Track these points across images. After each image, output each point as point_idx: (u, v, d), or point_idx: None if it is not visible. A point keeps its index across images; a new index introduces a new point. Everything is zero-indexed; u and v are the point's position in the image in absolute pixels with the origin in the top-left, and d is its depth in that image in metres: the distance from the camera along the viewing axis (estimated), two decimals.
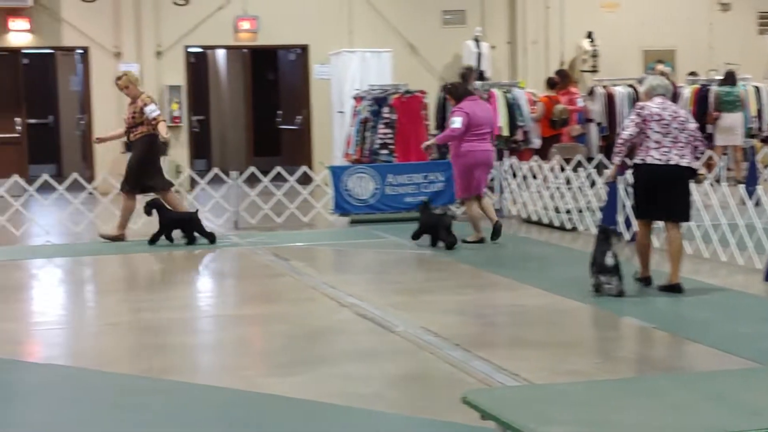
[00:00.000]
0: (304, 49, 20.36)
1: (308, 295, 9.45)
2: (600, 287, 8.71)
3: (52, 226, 13.55)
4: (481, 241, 11.88)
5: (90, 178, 16.84)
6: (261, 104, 22.07)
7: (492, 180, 14.68)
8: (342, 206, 14.11)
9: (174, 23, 19.55)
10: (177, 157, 19.38)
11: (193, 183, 16.11)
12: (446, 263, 11.02)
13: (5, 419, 5.98)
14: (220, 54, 23.22)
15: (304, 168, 15.13)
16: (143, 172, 12.34)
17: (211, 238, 12.18)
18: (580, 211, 13.01)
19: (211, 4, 19.73)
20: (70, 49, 20.15)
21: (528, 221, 14.00)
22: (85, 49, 19.43)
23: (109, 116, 19.35)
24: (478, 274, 10.35)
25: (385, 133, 15.50)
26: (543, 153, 15.48)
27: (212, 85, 23.58)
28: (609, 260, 8.61)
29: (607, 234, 8.78)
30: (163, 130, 12.24)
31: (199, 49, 21.42)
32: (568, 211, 13.19)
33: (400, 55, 19.83)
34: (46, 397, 6.37)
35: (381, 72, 18.18)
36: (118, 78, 12.61)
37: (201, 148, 22.01)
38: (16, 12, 18.57)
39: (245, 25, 19.91)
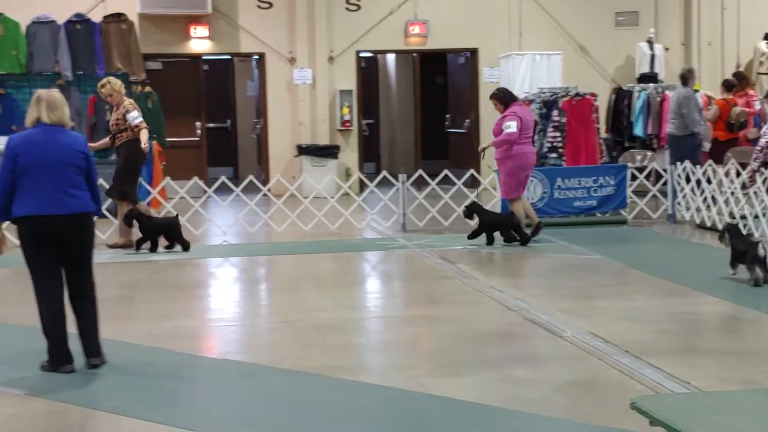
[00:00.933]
0: (473, 52, 20.41)
1: (475, 298, 9.49)
2: (759, 281, 9.17)
3: (228, 226, 14.02)
4: (523, 240, 12.36)
5: (265, 181, 17.35)
6: (429, 108, 22.22)
7: (664, 184, 14.38)
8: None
9: (346, 29, 19.93)
10: (347, 161, 19.74)
11: (362, 186, 16.39)
12: (617, 269, 10.86)
13: (186, 412, 6.25)
14: (390, 58, 23.52)
15: (471, 171, 15.17)
16: (125, 179, 12.50)
17: (186, 246, 12.34)
18: (756, 217, 12.59)
19: (382, 9, 20.02)
20: (247, 55, 20.80)
21: (701, 227, 13.64)
22: (261, 55, 20.02)
23: (284, 120, 19.92)
24: (650, 281, 10.16)
25: (554, 137, 15.39)
26: (718, 157, 15.06)
27: (382, 89, 23.91)
28: (761, 251, 9.16)
29: (737, 228, 9.53)
30: (144, 137, 12.34)
31: (370, 54, 21.76)
32: (743, 217, 12.78)
33: (571, 57, 19.65)
34: (222, 392, 6.62)
35: (551, 74, 18.05)
36: (102, 86, 12.52)
37: (370, 152, 22.35)
38: (196, 19, 19.30)
39: (415, 29, 20.11)
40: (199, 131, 20.16)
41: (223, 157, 22.42)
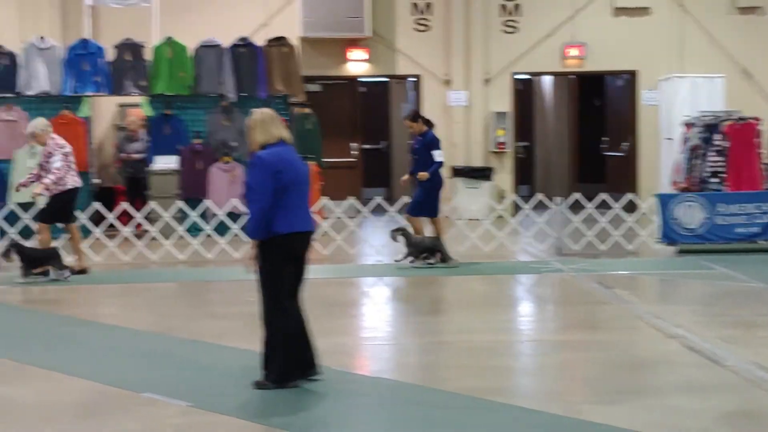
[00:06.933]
0: (632, 74, 20.08)
1: (632, 324, 9.30)
2: None
3: (382, 246, 14.15)
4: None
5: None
6: (586, 130, 21.95)
7: None
8: (669, 235, 13.78)
9: (502, 51, 19.90)
10: (501, 183, 19.67)
11: (516, 208, 16.30)
12: None
13: (342, 428, 6.33)
14: (547, 80, 23.35)
15: (629, 195, 14.91)
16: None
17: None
18: None
19: (539, 31, 19.91)
20: (403, 77, 21.01)
21: None
22: (417, 77, 20.19)
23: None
24: None
25: (715, 161, 14.95)
26: None
27: (537, 111, 23.75)
28: None
29: None
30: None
31: (526, 76, 21.65)
32: None
33: (734, 80, 19.10)
34: (374, 410, 6.68)
35: (712, 98, 17.60)
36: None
37: (525, 174, 22.20)
38: (355, 43, 19.63)
39: (573, 51, 19.92)
40: (354, 152, 20.42)
41: (377, 178, 22.66)
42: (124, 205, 14.62)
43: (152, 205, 14.86)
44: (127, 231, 14.16)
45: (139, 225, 14.85)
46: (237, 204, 15.00)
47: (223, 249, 13.89)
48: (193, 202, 15.12)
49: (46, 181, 11.98)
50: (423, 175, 13.01)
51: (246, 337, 8.55)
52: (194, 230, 14.72)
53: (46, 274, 12.03)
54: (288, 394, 6.89)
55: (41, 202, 12.78)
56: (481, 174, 19.18)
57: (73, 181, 12.28)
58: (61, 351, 8.41)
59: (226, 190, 16.21)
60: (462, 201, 16.20)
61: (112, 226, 14.44)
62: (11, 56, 16.46)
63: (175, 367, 7.76)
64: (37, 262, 11.96)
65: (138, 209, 14.79)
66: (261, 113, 7.13)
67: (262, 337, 7.02)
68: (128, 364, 7.92)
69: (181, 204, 14.93)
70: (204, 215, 14.84)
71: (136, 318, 10.01)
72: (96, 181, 17.30)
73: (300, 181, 7.00)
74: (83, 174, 16.51)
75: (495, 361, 7.98)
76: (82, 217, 13.97)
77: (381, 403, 6.81)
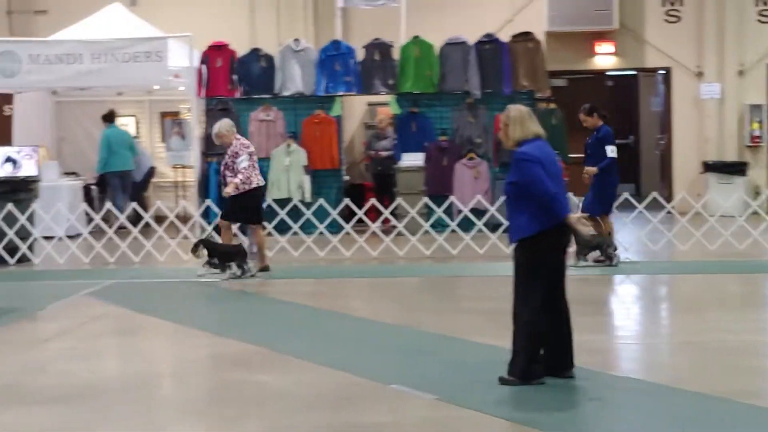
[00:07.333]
0: None
1: None
2: None
3: (630, 243, 13.87)
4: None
5: (668, 198, 16.98)
6: None
7: None
8: None
9: (757, 41, 19.04)
10: (756, 178, 18.83)
11: None
12: None
13: (586, 429, 6.28)
14: None
15: None
16: None
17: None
18: None
19: None
20: (652, 70, 20.47)
21: None
22: (667, 70, 19.63)
23: (689, 136, 19.43)
24: None
25: None
26: None
27: None
28: None
29: None
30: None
31: None
32: None
33: None
34: (624, 410, 6.57)
35: None
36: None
37: None
38: (602, 36, 19.31)
39: None
40: None
41: (625, 173, 22.15)
42: (373, 202, 15.02)
43: (399, 201, 15.19)
44: (375, 227, 14.54)
45: (386, 221, 15.23)
46: (481, 200, 15.12)
47: (467, 244, 14.02)
48: (438, 199, 15.34)
49: (235, 180, 12.31)
50: (591, 170, 12.63)
51: (492, 332, 8.62)
52: (439, 226, 14.94)
53: (230, 268, 12.33)
54: (535, 391, 6.90)
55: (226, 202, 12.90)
56: (735, 169, 18.45)
57: (258, 180, 12.62)
58: (315, 342, 8.75)
59: (471, 186, 16.36)
60: (714, 197, 15.64)
61: (360, 221, 14.87)
62: (268, 59, 17.25)
63: (422, 361, 7.92)
64: (226, 258, 12.34)
65: (386, 206, 15.16)
66: (517, 110, 7.18)
67: (513, 332, 7.06)
68: (377, 356, 8.15)
69: (426, 200, 15.19)
70: (449, 211, 15.03)
71: (384, 311, 10.27)
72: (346, 178, 17.86)
73: (558, 174, 7.05)
74: (334, 171, 17.17)
75: (750, 363, 7.67)
76: (334, 213, 14.49)
77: (630, 404, 6.70)
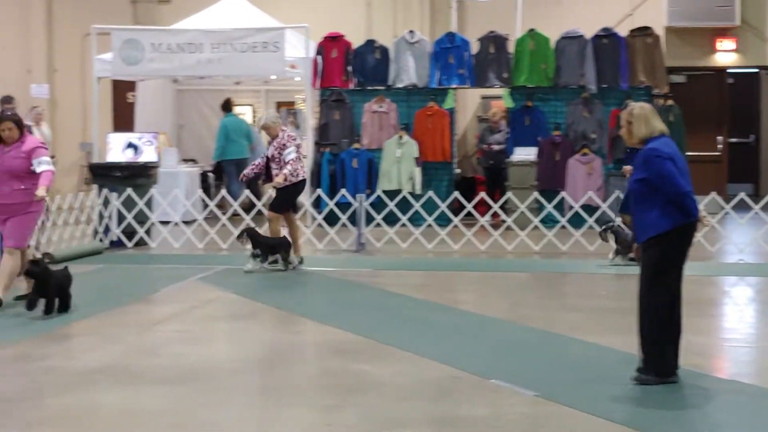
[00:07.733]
0: None
1: None
2: None
3: (746, 244, 13.55)
4: None
5: None
6: None
7: None
8: None
9: None
10: None
11: None
12: None
13: (693, 427, 6.19)
14: None
15: None
16: None
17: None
18: None
19: None
20: None
21: None
22: None
23: None
24: None
25: None
26: None
27: None
28: None
29: None
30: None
31: None
32: None
33: None
34: (729, 414, 6.44)
35: None
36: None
37: None
38: (724, 32, 18.87)
39: None
40: (720, 146, 19.65)
41: (744, 172, 21.65)
42: (482, 195, 14.99)
43: (509, 195, 15.12)
44: (484, 220, 14.50)
45: (495, 215, 15.19)
46: (593, 196, 14.95)
47: (577, 241, 13.89)
48: (549, 194, 15.23)
49: (285, 171, 12.29)
50: (627, 168, 12.47)
51: (597, 331, 8.54)
52: (549, 221, 14.83)
53: (275, 262, 12.29)
54: (638, 391, 6.81)
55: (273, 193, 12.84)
56: None
57: (303, 172, 12.66)
58: (419, 334, 8.79)
59: (584, 182, 16.19)
60: None
61: (469, 215, 14.86)
62: (383, 50, 17.36)
63: (524, 357, 7.90)
64: (271, 250, 12.30)
65: (496, 199, 15.11)
66: (641, 107, 7.11)
67: (639, 330, 6.97)
68: (479, 349, 8.15)
69: (537, 195, 15.08)
70: (560, 207, 14.90)
71: (490, 306, 10.27)
72: (457, 171, 17.86)
73: (687, 171, 6.98)
74: (445, 164, 17.19)
75: None
76: (443, 205, 14.51)
77: (737, 409, 6.56)
